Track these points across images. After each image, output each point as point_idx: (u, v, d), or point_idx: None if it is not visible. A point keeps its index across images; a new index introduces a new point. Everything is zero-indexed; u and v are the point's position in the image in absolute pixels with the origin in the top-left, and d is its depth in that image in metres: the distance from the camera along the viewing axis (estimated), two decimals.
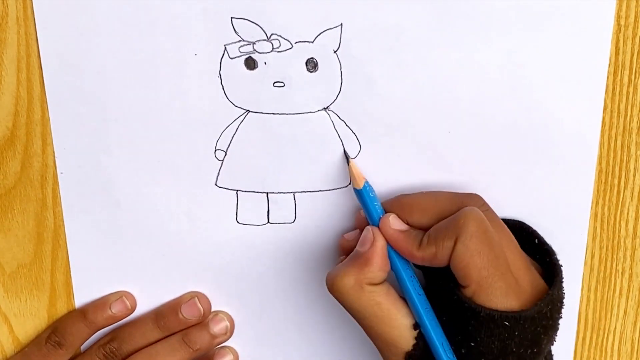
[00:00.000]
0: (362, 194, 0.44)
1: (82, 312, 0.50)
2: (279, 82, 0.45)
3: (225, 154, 0.47)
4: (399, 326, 0.42)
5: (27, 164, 0.47)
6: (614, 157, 0.47)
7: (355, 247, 0.44)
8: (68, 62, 0.44)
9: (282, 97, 0.45)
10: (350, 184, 0.47)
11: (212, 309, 0.51)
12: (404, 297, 0.43)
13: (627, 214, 0.48)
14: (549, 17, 0.43)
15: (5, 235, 0.49)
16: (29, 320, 0.51)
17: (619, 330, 0.51)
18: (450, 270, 0.41)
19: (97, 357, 0.50)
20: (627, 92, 0.45)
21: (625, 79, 0.45)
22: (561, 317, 0.43)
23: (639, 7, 0.43)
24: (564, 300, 0.43)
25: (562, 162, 0.46)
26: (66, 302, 0.51)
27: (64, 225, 0.49)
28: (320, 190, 0.47)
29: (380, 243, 0.43)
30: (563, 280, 0.43)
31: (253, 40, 0.44)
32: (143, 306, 0.51)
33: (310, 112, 0.45)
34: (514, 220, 0.46)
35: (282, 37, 0.43)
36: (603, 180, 0.47)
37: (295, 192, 0.48)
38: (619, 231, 0.49)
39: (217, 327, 0.50)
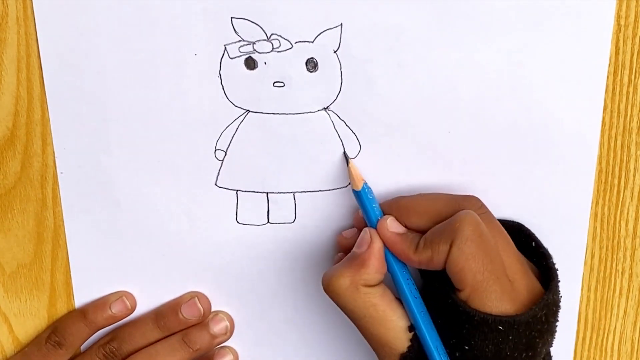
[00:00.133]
0: (361, 196, 0.44)
1: (82, 312, 0.50)
2: (279, 82, 0.45)
3: (225, 154, 0.47)
4: (394, 328, 0.42)
5: (27, 164, 0.47)
6: (614, 157, 0.47)
7: (352, 244, 0.44)
8: (68, 62, 0.44)
9: (282, 97, 0.45)
10: (350, 184, 0.47)
11: (212, 309, 0.51)
12: (400, 299, 0.43)
13: (627, 214, 0.48)
14: (549, 17, 0.43)
15: (5, 235, 0.49)
16: (29, 320, 0.51)
17: (619, 330, 0.51)
18: (447, 274, 0.41)
19: (97, 357, 0.50)
20: (627, 92, 0.45)
21: (625, 79, 0.45)
22: (558, 321, 0.43)
23: (639, 7, 0.43)
24: (563, 302, 0.43)
25: (562, 162, 0.46)
26: (66, 302, 0.51)
27: (64, 225, 0.49)
28: (320, 190, 0.47)
29: (378, 245, 0.43)
30: (559, 283, 0.43)
31: (253, 40, 0.44)
32: (143, 306, 0.51)
33: (310, 112, 0.45)
34: (512, 222, 0.46)
35: (282, 37, 0.43)
36: (603, 180, 0.47)
37: (295, 192, 0.48)
38: (619, 231, 0.49)
39: (217, 327, 0.50)
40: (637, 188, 0.48)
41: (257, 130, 0.46)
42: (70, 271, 0.50)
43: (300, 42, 0.44)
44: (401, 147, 0.46)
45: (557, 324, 0.43)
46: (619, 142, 0.46)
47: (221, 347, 0.51)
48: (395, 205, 0.44)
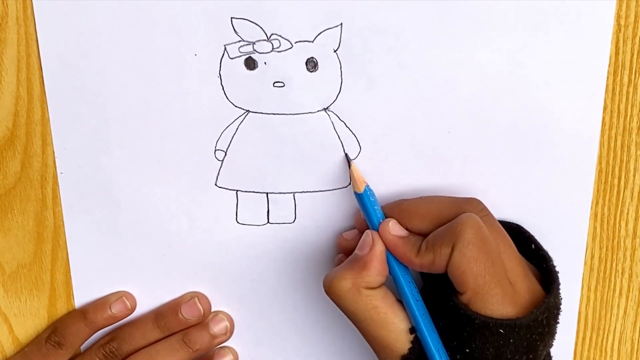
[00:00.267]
0: (363, 198, 0.44)
1: (82, 312, 0.50)
2: (279, 82, 0.45)
3: (225, 154, 0.47)
4: (395, 330, 0.42)
5: (27, 164, 0.47)
6: (614, 157, 0.47)
7: (353, 246, 0.44)
8: (68, 62, 0.44)
9: (282, 97, 0.45)
10: (350, 184, 0.47)
11: (212, 309, 0.51)
12: (401, 301, 0.43)
13: (627, 214, 0.48)
14: (549, 17, 0.43)
15: (5, 235, 0.49)
16: (29, 320, 0.51)
17: (619, 330, 0.51)
18: (448, 277, 0.41)
19: (97, 357, 0.50)
20: (627, 92, 0.45)
21: (625, 79, 0.45)
22: (558, 323, 0.42)
23: (639, 7, 0.43)
24: (563, 302, 0.43)
25: (562, 162, 0.46)
26: (66, 302, 0.51)
27: (64, 225, 0.49)
28: (320, 191, 0.47)
29: (379, 248, 0.43)
30: (560, 286, 0.43)
31: (253, 40, 0.44)
32: (143, 306, 0.51)
33: (310, 112, 0.45)
34: (511, 224, 0.46)
35: (282, 37, 0.43)
36: (603, 180, 0.47)
37: (295, 193, 0.48)
38: (619, 231, 0.49)
39: (217, 327, 0.50)
40: (637, 188, 0.48)
41: (257, 130, 0.46)
42: (70, 271, 0.50)
43: (300, 41, 0.44)
44: (401, 148, 0.46)
45: (558, 325, 0.43)
46: (619, 142, 0.46)
47: (221, 347, 0.51)
48: (397, 208, 0.44)
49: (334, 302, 0.43)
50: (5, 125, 0.46)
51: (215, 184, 0.47)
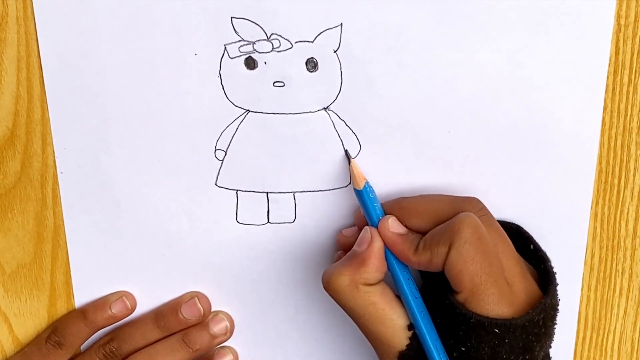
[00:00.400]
0: (362, 195, 0.44)
1: (82, 312, 0.50)
2: (279, 81, 0.45)
3: (225, 154, 0.47)
4: (394, 326, 0.42)
5: (27, 164, 0.47)
6: (614, 157, 0.47)
7: (352, 243, 0.44)
8: (68, 62, 0.44)
9: (282, 97, 0.45)
10: (350, 183, 0.47)
11: (212, 309, 0.51)
12: (400, 297, 0.43)
13: (627, 214, 0.48)
14: (549, 17, 0.43)
15: (5, 235, 0.49)
16: (29, 320, 0.51)
17: (619, 330, 0.51)
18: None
19: (97, 357, 0.50)
20: (627, 92, 0.45)
21: (625, 79, 0.45)
22: (556, 324, 0.42)
23: (639, 7, 0.43)
24: (563, 301, 0.43)
25: (562, 162, 0.46)
26: (66, 302, 0.51)
27: (64, 225, 0.49)
28: (320, 190, 0.47)
29: (378, 244, 0.43)
30: (558, 287, 0.43)
31: (253, 40, 0.44)
32: (143, 306, 0.51)
33: (310, 112, 0.45)
34: (511, 224, 0.46)
35: (282, 37, 0.43)
36: (603, 180, 0.47)
37: (295, 192, 0.48)
38: (619, 231, 0.49)
39: (217, 327, 0.50)
40: (637, 188, 0.48)
41: (257, 130, 0.46)
42: (70, 271, 0.50)
43: (300, 41, 0.44)
44: (401, 147, 0.46)
45: (556, 327, 0.43)
46: (619, 142, 0.46)
47: (221, 347, 0.51)
48: (396, 206, 0.44)
49: (332, 298, 0.43)
50: (5, 125, 0.46)
51: (215, 184, 0.47)
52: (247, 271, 0.50)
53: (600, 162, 0.47)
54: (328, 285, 0.43)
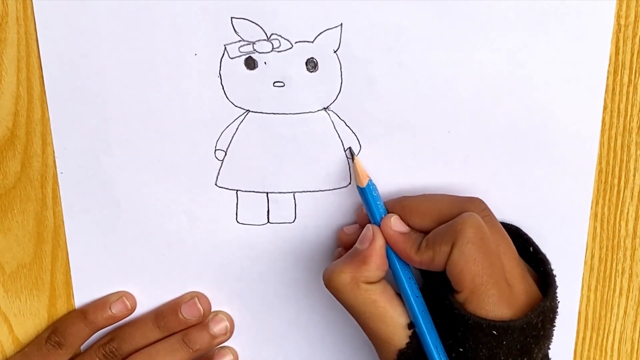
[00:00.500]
0: (366, 192, 0.44)
1: (82, 312, 0.50)
2: (279, 82, 0.45)
3: (225, 154, 0.47)
4: (394, 324, 0.42)
5: (27, 164, 0.47)
6: (614, 157, 0.47)
7: (353, 240, 0.44)
8: (68, 62, 0.44)
9: (282, 97, 0.45)
10: (350, 183, 0.47)
11: (212, 309, 0.51)
12: (400, 295, 0.43)
13: (627, 214, 0.48)
14: (548, 17, 0.43)
15: (5, 235, 0.49)
16: (29, 320, 0.51)
17: (619, 330, 0.51)
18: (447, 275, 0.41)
19: (97, 357, 0.50)
20: (627, 92, 0.45)
21: (625, 79, 0.45)
22: (555, 327, 0.42)
23: (639, 7, 0.43)
24: (563, 301, 0.43)
25: (562, 162, 0.46)
26: (66, 302, 0.51)
27: (64, 225, 0.49)
28: (320, 190, 0.47)
29: (380, 243, 0.43)
30: (557, 290, 0.43)
31: (253, 40, 0.44)
32: (143, 306, 0.51)
33: (310, 112, 0.45)
34: (510, 225, 0.46)
35: (282, 37, 0.43)
36: (603, 180, 0.47)
37: (295, 192, 0.48)
38: (619, 231, 0.49)
39: (217, 327, 0.50)
40: (637, 188, 0.48)
41: (257, 130, 0.46)
42: (70, 271, 0.50)
43: (300, 42, 0.44)
44: (401, 147, 0.46)
45: (554, 329, 0.43)
46: (619, 142, 0.46)
47: (221, 347, 0.51)
48: (399, 205, 0.44)
49: (333, 295, 0.43)
50: (5, 125, 0.46)
51: (215, 184, 0.47)
52: (247, 271, 0.50)
53: (600, 162, 0.47)
54: (329, 283, 0.43)
